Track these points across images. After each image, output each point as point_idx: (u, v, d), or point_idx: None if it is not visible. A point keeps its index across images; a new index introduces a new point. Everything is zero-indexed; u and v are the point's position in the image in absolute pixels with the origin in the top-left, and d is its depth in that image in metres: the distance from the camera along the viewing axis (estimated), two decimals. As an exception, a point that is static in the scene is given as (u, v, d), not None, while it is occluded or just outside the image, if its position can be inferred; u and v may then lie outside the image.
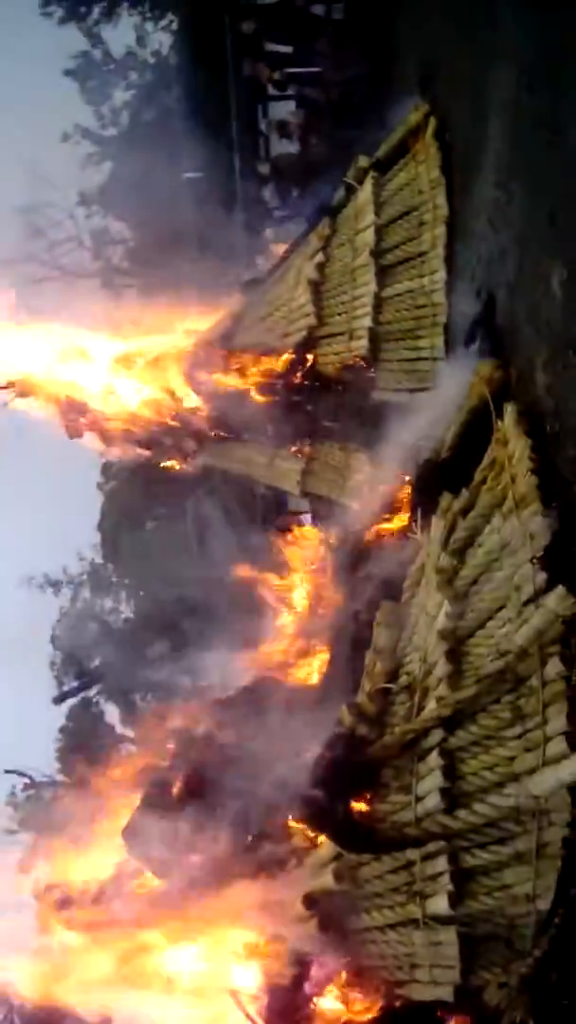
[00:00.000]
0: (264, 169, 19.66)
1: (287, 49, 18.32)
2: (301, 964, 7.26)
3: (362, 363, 10.00)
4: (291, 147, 19.02)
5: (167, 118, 23.33)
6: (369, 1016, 7.15)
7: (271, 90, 18.67)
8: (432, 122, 10.67)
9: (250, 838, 7.91)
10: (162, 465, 11.74)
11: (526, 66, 7.62)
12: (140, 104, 26.10)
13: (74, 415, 10.87)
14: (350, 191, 11.21)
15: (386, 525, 9.34)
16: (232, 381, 10.42)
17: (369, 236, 10.41)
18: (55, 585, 32.85)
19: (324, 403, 10.14)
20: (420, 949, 6.60)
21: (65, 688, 29.17)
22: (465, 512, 7.55)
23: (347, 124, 14.56)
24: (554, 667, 6.05)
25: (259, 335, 10.86)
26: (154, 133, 22.88)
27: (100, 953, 8.13)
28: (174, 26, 25.41)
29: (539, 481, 6.82)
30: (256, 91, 19.27)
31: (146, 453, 11.34)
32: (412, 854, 6.58)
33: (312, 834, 7.27)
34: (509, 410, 7.45)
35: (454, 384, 8.67)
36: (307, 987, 7.27)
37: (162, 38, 26.22)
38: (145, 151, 21.54)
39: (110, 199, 25.19)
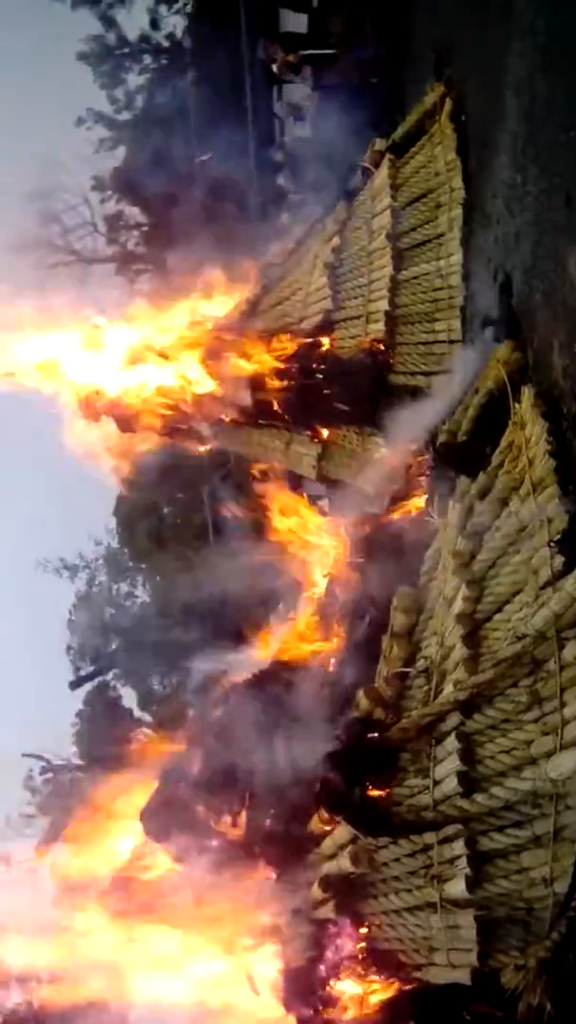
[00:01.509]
0: (279, 153, 19.62)
1: (302, 31, 18.27)
2: (318, 947, 7.28)
3: (379, 346, 9.98)
4: (306, 130, 18.98)
5: (181, 102, 23.28)
6: (386, 998, 7.17)
7: (286, 73, 18.59)
8: (448, 104, 10.64)
9: (267, 822, 7.93)
10: (178, 450, 11.74)
11: (542, 47, 7.57)
12: (154, 88, 26.04)
13: (90, 400, 10.87)
14: (366, 174, 11.18)
15: (403, 509, 9.33)
16: (249, 366, 10.40)
17: (385, 219, 10.39)
18: (71, 569, 32.96)
19: (340, 387, 10.11)
20: (438, 932, 6.61)
21: (82, 673, 29.29)
22: (482, 496, 7.54)
23: (363, 106, 14.50)
24: (572, 650, 6.04)
25: (276, 319, 10.84)
26: (168, 117, 22.83)
27: (117, 937, 8.17)
28: (188, 9, 25.33)
29: (557, 464, 6.80)
30: (271, 74, 19.20)
31: (162, 438, 11.34)
32: (429, 837, 6.59)
33: (329, 817, 7.28)
34: (526, 393, 7.43)
35: (471, 367, 8.65)
36: (324, 970, 7.29)
37: (176, 21, 26.15)
38: (159, 135, 21.51)
39: (124, 184, 25.15)
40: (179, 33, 26.05)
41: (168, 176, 20.89)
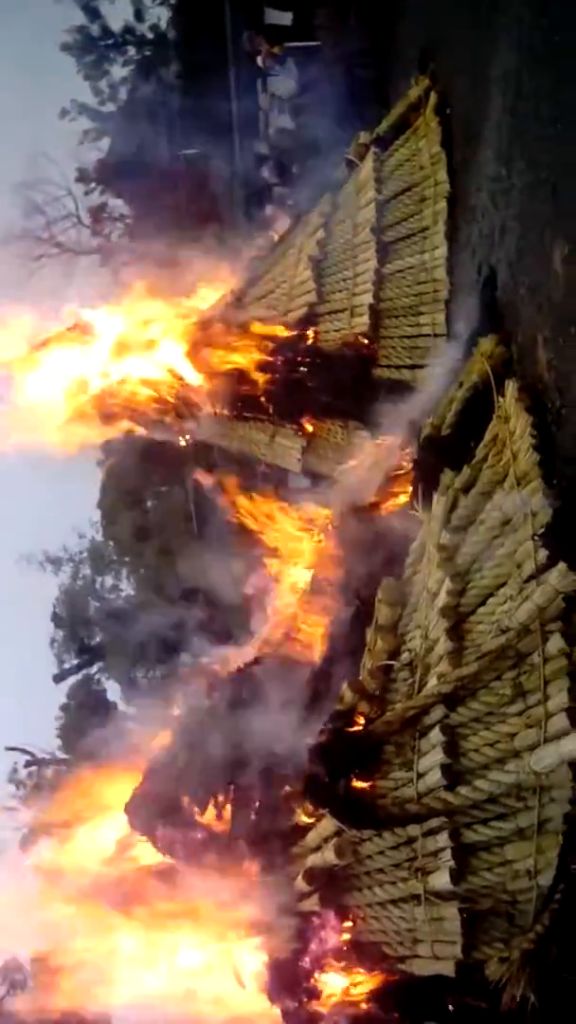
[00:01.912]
0: (263, 145, 19.58)
1: (287, 22, 18.23)
2: (303, 939, 7.29)
3: (363, 340, 9.98)
4: (291, 123, 18.93)
5: (165, 94, 23.22)
6: (371, 990, 7.19)
7: (270, 65, 18.54)
8: (433, 97, 10.64)
9: (252, 814, 7.93)
10: (162, 443, 11.72)
11: (528, 40, 7.57)
12: (138, 80, 25.96)
13: (75, 393, 10.84)
14: (351, 167, 11.17)
15: (387, 502, 9.33)
16: (233, 359, 10.39)
17: (370, 212, 10.38)
18: (55, 563, 32.91)
19: (325, 380, 10.12)
20: (422, 924, 6.62)
21: (66, 666, 29.29)
22: (466, 489, 7.54)
23: (347, 99, 14.50)
24: (555, 644, 6.05)
25: (260, 312, 10.83)
26: (152, 109, 22.76)
27: (102, 930, 8.18)
28: (172, 0, 25.27)
29: (541, 458, 6.80)
30: (255, 66, 19.16)
31: (146, 431, 11.32)
32: (414, 830, 6.59)
33: (314, 810, 7.28)
34: (510, 386, 7.43)
35: (455, 360, 8.66)
36: (309, 962, 7.30)
37: (160, 12, 26.08)
38: (143, 127, 21.44)
39: (108, 175, 25.08)
40: (163, 24, 25.99)
41: (152, 168, 20.84)
